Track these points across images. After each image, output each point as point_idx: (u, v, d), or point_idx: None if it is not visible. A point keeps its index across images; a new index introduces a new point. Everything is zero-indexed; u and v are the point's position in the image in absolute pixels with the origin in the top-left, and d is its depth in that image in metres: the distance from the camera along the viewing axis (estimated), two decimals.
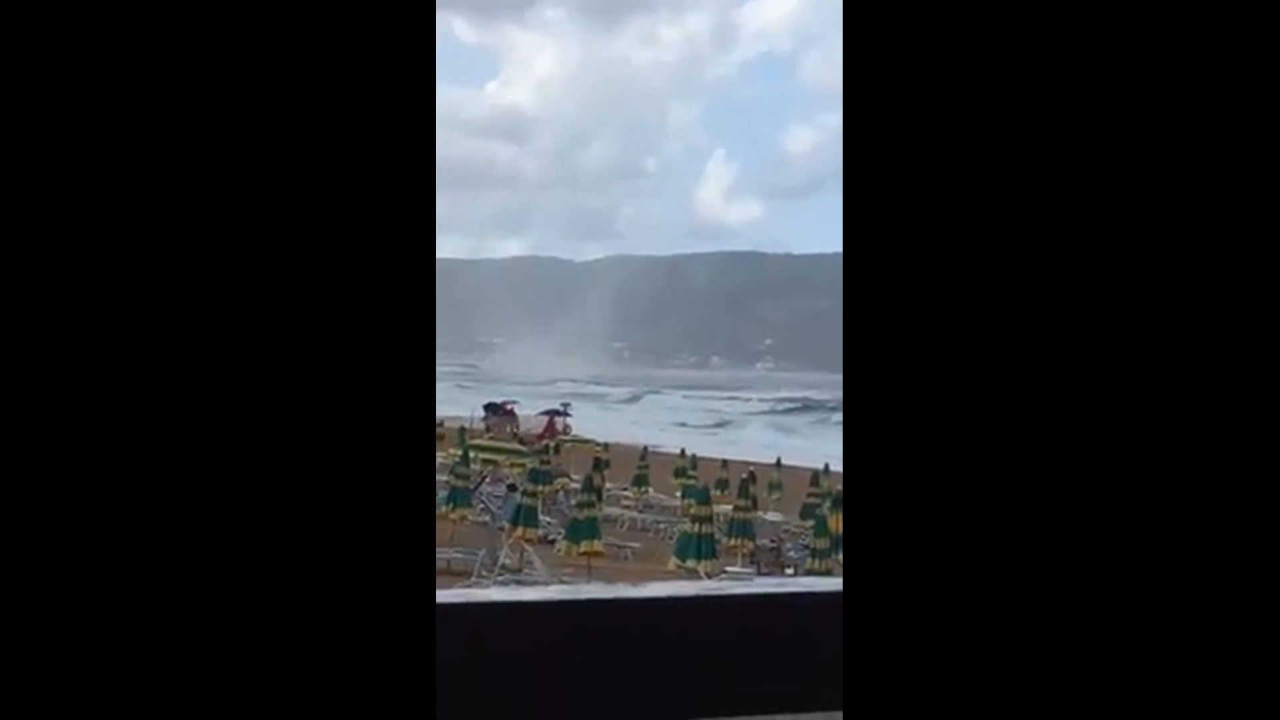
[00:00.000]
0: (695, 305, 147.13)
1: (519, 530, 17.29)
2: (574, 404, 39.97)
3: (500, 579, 15.80)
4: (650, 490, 25.45)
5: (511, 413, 35.63)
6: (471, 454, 23.07)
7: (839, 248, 0.99)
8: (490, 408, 35.55)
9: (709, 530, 16.82)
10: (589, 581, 13.90)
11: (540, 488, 19.32)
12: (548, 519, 19.46)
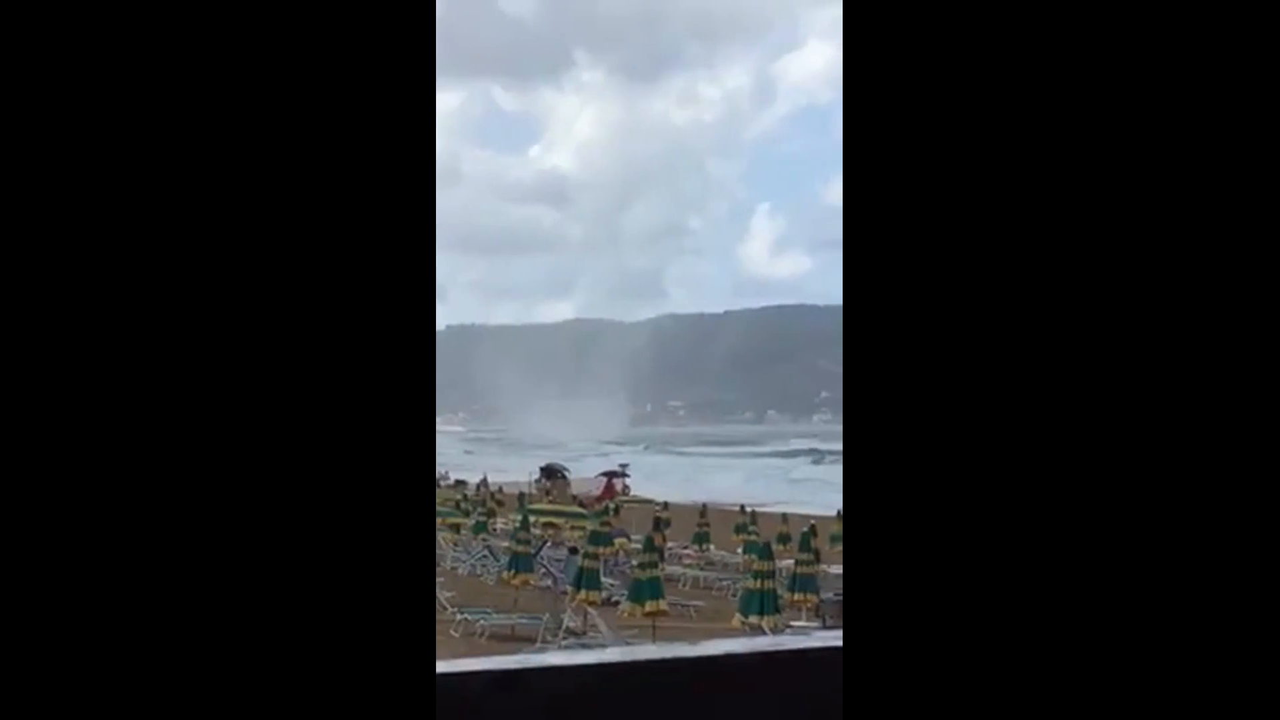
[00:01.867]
0: (748, 361, 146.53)
1: (581, 593, 17.17)
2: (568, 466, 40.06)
3: (565, 643, 15.69)
4: (712, 547, 25.22)
5: (563, 476, 35.66)
6: (531, 519, 23.03)
7: None
8: (545, 471, 35.58)
9: (771, 585, 16.60)
10: (653, 642, 13.77)
11: (600, 549, 19.22)
12: (610, 580, 19.32)
